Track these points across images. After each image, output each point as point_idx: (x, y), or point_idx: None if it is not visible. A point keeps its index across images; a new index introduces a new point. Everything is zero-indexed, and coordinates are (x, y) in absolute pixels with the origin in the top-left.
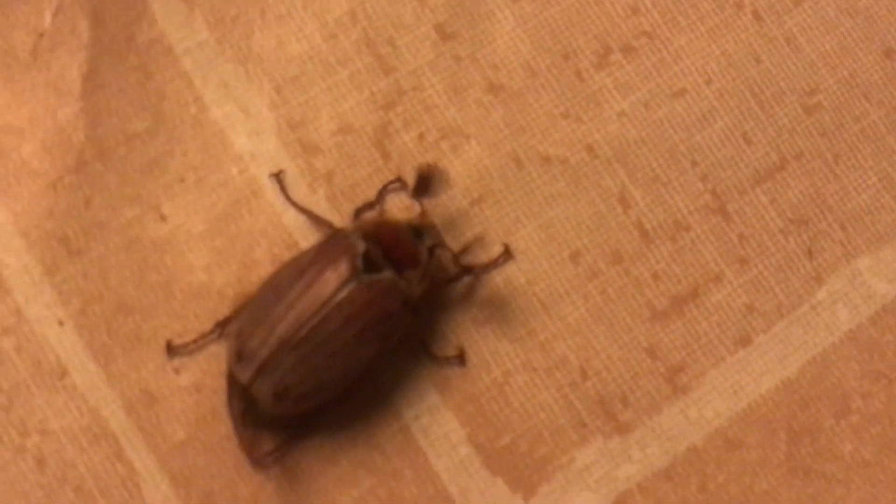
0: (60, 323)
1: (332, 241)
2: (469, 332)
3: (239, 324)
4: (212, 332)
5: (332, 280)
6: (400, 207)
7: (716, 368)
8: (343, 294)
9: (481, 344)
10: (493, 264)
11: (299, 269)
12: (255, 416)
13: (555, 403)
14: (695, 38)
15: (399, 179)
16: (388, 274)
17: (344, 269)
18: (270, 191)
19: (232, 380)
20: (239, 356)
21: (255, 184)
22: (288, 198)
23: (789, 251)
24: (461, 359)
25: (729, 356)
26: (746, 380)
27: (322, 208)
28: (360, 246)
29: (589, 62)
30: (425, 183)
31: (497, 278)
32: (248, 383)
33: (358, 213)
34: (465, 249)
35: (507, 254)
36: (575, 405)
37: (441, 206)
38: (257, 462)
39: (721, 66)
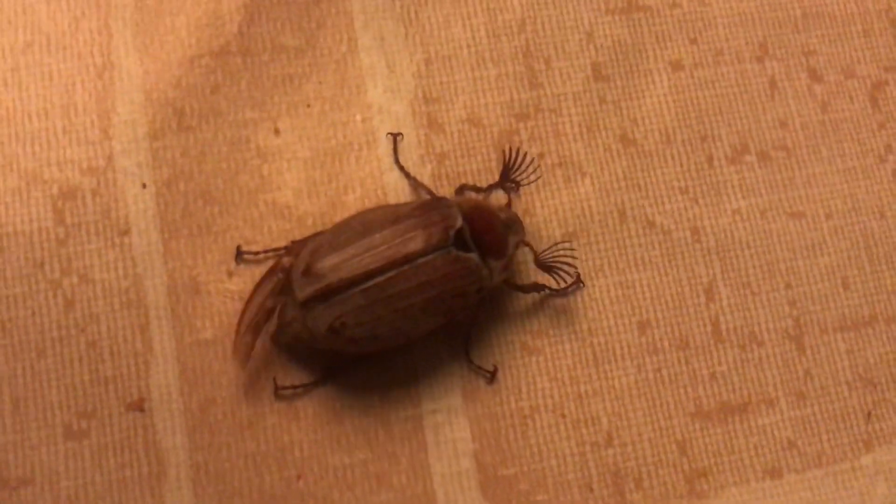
0: (144, 185)
1: (434, 205)
2: (514, 354)
3: (315, 243)
4: (282, 248)
5: (422, 240)
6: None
7: (737, 487)
8: (428, 258)
9: (521, 370)
10: (563, 290)
11: (394, 216)
12: (287, 340)
13: (570, 457)
14: (830, 171)
15: (515, 182)
16: (474, 256)
17: (437, 235)
18: (383, 148)
19: (284, 294)
20: (306, 271)
21: (371, 135)
22: (398, 160)
23: (849, 406)
24: (492, 376)
25: (755, 481)
26: None
27: (424, 183)
28: (458, 221)
29: (723, 153)
30: (511, 170)
31: (561, 317)
32: (303, 300)
33: (462, 189)
34: (549, 250)
35: (579, 282)
36: (589, 466)
37: (534, 228)
38: (242, 362)
39: (845, 207)
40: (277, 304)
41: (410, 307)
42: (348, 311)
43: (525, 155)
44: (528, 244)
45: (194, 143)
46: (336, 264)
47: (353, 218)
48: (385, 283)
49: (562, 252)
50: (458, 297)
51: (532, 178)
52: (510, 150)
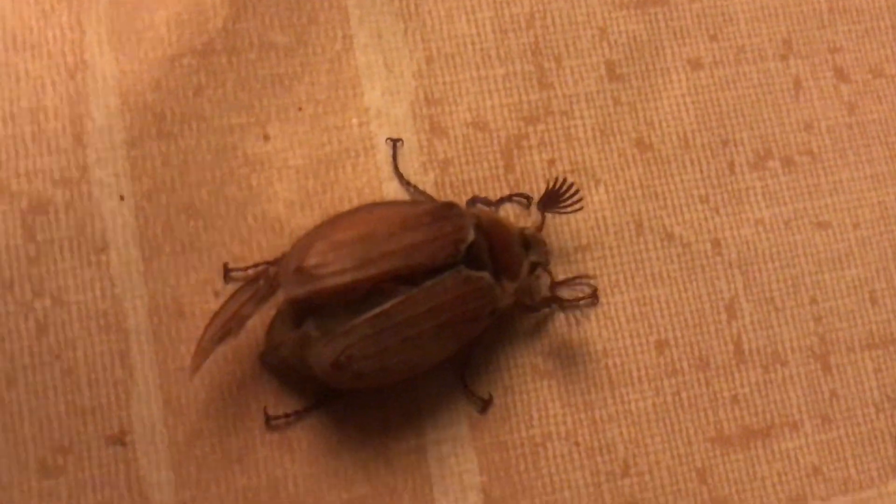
0: (121, 197)
1: (445, 212)
2: (523, 377)
3: (309, 236)
4: (273, 262)
5: (429, 253)
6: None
7: None
8: (437, 280)
9: (532, 395)
10: (578, 302)
11: (402, 219)
12: (276, 363)
13: (585, 488)
14: (857, 177)
15: (527, 196)
16: (486, 275)
17: (446, 249)
18: (382, 154)
19: (264, 303)
20: (299, 269)
21: (369, 141)
22: (397, 168)
23: (876, 429)
24: (485, 405)
25: None
26: None
27: (427, 192)
28: (471, 234)
29: (745, 158)
30: (555, 197)
31: (574, 335)
32: (290, 299)
33: (473, 201)
34: (565, 282)
35: (595, 297)
36: (604, 498)
37: (545, 239)
38: (194, 370)
39: (873, 216)
40: (253, 313)
41: (420, 335)
42: (353, 342)
43: (572, 185)
44: (547, 270)
45: (176, 150)
46: (336, 268)
47: (354, 212)
48: (392, 309)
49: (581, 285)
50: (471, 322)
51: (575, 208)
52: (556, 179)
